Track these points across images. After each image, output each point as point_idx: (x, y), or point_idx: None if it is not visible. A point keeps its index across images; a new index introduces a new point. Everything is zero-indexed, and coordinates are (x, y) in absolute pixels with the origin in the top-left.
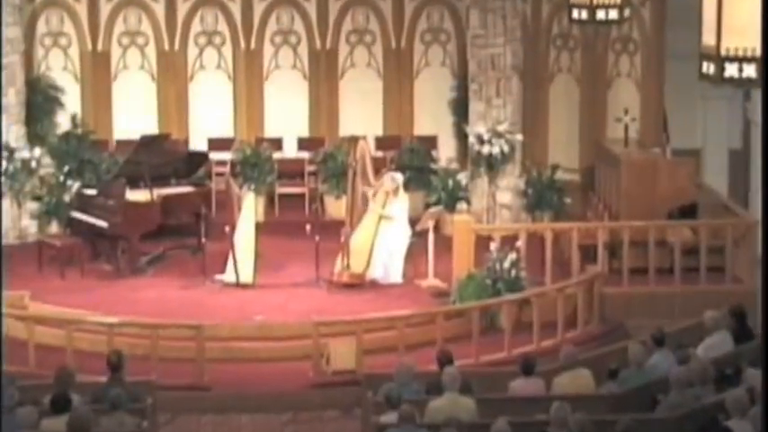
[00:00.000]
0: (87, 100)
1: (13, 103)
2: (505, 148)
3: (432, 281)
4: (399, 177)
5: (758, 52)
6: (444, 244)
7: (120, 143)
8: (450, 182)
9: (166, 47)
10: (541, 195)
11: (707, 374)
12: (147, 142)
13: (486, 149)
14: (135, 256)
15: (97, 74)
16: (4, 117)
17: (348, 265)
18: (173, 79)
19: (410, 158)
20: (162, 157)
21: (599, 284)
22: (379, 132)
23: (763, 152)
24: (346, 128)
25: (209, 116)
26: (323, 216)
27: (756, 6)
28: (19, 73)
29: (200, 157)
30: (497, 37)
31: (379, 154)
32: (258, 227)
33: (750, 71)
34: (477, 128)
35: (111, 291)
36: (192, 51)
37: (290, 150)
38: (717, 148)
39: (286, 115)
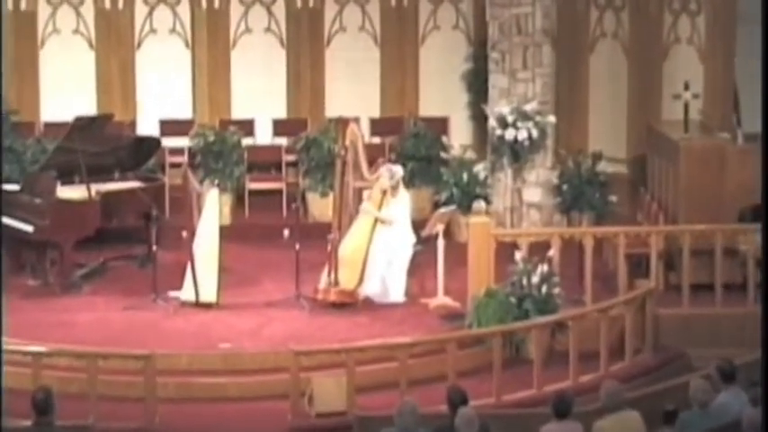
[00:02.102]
0: (8, 72)
1: None
2: (534, 133)
3: (441, 300)
4: (400, 170)
5: None
6: (457, 253)
7: (50, 126)
8: (465, 175)
9: (107, 5)
10: (580, 192)
11: None
12: (83, 125)
13: (510, 134)
14: (68, 268)
15: (21, 39)
16: None
17: (336, 280)
18: (115, 46)
19: (414, 146)
20: (102, 143)
21: (652, 304)
22: (376, 113)
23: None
24: (334, 107)
25: (162, 93)
26: (305, 218)
27: None
28: None
29: (151, 145)
30: None
31: (376, 140)
32: (223, 232)
33: None
34: (498, 107)
35: (39, 312)
36: (141, 11)
37: (264, 136)
38: None
39: (258, 92)
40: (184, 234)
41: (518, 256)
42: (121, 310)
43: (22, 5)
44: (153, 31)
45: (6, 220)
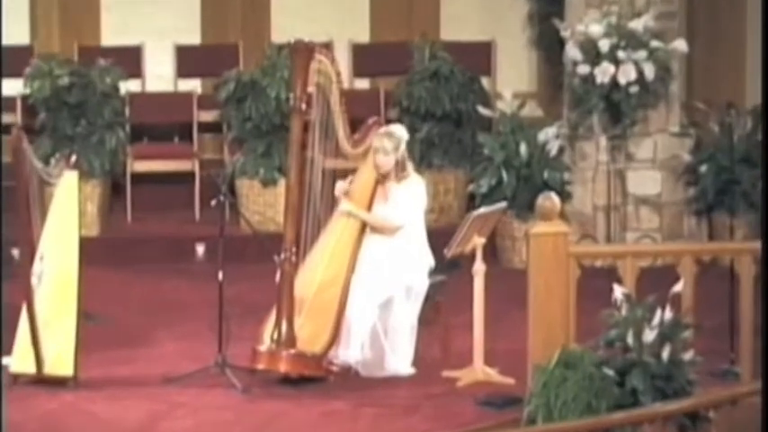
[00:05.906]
0: None
1: None
2: (649, 72)
3: (480, 371)
4: (404, 138)
5: None
6: (509, 287)
7: None
8: (523, 148)
9: None
10: (730, 179)
11: None
12: None
13: (604, 74)
14: None
15: None
16: None
17: (291, 337)
18: None
19: (432, 94)
20: None
21: None
22: (363, 36)
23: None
24: (286, 26)
25: None
26: (235, 224)
27: None
28: None
29: None
30: None
31: (362, 84)
32: (87, 248)
33: None
34: (583, 25)
35: None
36: None
37: (161, 76)
38: None
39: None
40: (16, 253)
41: (618, 292)
42: None
43: None
44: None
45: None
